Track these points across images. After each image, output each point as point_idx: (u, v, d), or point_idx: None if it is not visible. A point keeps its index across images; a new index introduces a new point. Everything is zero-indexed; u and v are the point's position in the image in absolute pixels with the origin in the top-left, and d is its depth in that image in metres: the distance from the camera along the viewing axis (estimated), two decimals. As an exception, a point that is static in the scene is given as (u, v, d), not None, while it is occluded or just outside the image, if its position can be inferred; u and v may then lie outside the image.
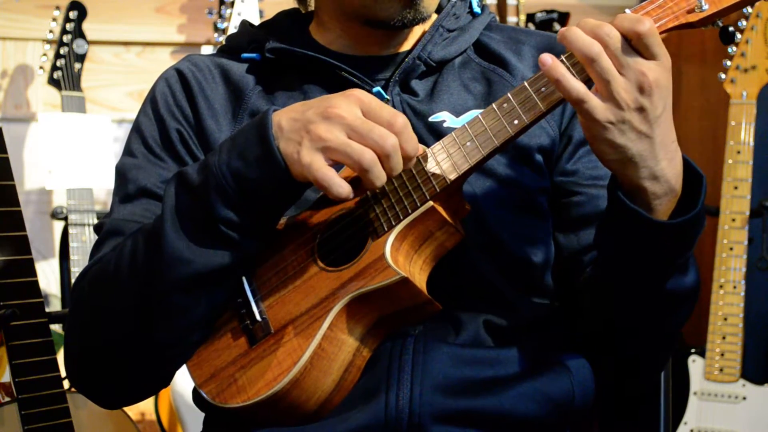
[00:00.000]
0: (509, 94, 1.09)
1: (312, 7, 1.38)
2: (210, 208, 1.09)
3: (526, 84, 1.08)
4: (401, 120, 1.05)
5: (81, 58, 2.73)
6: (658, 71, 1.01)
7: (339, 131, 1.04)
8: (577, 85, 1.01)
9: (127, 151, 1.30)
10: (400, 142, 1.05)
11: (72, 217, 2.59)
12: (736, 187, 2.55)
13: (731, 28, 1.07)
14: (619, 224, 1.08)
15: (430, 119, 1.24)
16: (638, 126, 1.02)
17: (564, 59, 1.05)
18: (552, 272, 1.28)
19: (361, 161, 1.03)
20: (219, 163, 1.09)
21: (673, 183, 1.06)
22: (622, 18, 1.02)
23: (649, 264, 1.10)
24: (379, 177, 1.05)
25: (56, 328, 2.23)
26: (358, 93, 1.07)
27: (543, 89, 1.07)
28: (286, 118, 1.08)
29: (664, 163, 1.05)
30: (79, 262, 2.54)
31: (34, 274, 1.75)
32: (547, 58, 1.02)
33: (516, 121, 1.08)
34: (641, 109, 1.01)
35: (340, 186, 1.05)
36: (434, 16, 1.32)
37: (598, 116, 1.01)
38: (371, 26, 1.25)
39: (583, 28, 1.02)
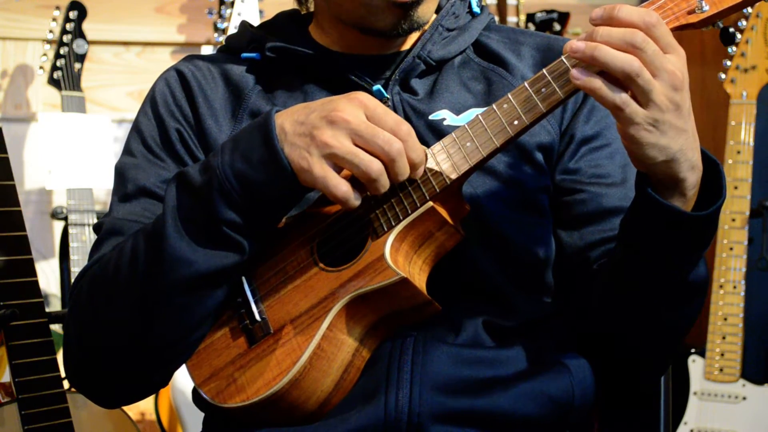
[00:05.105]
0: (509, 95, 1.09)
1: (312, 7, 1.38)
2: (213, 209, 1.09)
3: (526, 84, 1.08)
4: (405, 128, 1.06)
5: (81, 58, 2.73)
6: (681, 64, 1.02)
7: (344, 137, 1.04)
8: (616, 93, 1.00)
9: (127, 151, 1.30)
10: (405, 150, 1.05)
11: (72, 217, 2.59)
12: (736, 187, 2.55)
13: (732, 29, 1.07)
14: (652, 221, 1.07)
15: (430, 117, 1.24)
16: (676, 123, 1.02)
17: (564, 60, 1.05)
18: (553, 271, 1.28)
19: (369, 172, 1.04)
20: (222, 164, 1.09)
21: (701, 169, 1.07)
22: (630, 12, 1.01)
23: (677, 256, 1.10)
24: (385, 185, 1.06)
25: (56, 328, 2.23)
26: (362, 96, 1.07)
27: (543, 90, 1.07)
28: (289, 120, 1.08)
29: (697, 152, 1.06)
30: (79, 262, 2.54)
31: (34, 274, 1.75)
32: (579, 73, 1.02)
33: (516, 122, 1.08)
34: (677, 106, 1.01)
35: (357, 199, 1.06)
36: (434, 16, 1.32)
37: (639, 120, 1.00)
38: (368, 35, 1.25)
39: (611, 42, 1.00)
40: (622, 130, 1.02)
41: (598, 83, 1.01)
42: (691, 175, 1.06)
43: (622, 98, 1.00)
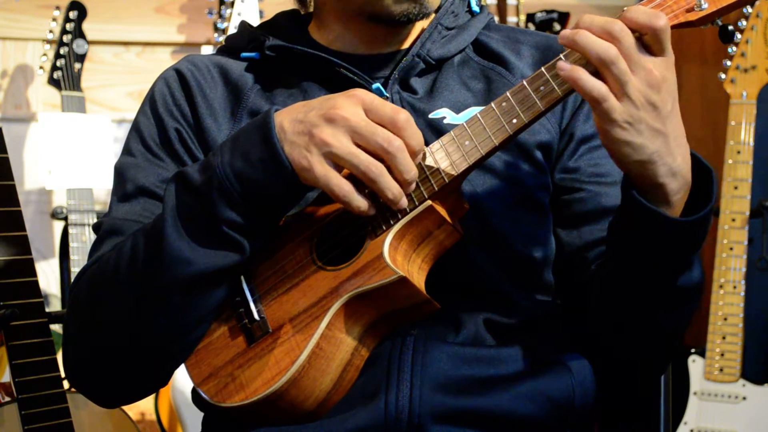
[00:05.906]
0: (508, 93, 1.09)
1: (311, 8, 1.38)
2: (212, 208, 1.09)
3: (525, 83, 1.08)
4: (404, 116, 1.05)
5: (81, 58, 2.73)
6: (663, 67, 1.02)
7: (343, 136, 1.04)
8: (597, 85, 1.01)
9: (126, 151, 1.30)
10: (405, 139, 1.05)
11: (72, 217, 2.59)
12: (736, 187, 2.54)
13: (731, 27, 1.07)
14: (637, 224, 1.08)
15: (430, 116, 1.24)
16: (652, 123, 1.02)
17: (563, 57, 1.05)
18: (552, 269, 1.28)
19: (368, 173, 1.04)
20: (222, 163, 1.09)
21: (687, 177, 1.07)
22: (638, 11, 1.02)
23: (664, 261, 1.10)
24: (387, 186, 1.05)
25: (56, 328, 2.22)
26: (360, 93, 1.07)
27: (542, 88, 1.07)
28: (288, 119, 1.07)
29: (679, 158, 1.05)
30: (79, 262, 2.54)
31: (34, 274, 1.75)
32: (564, 63, 1.02)
33: (515, 120, 1.08)
34: (654, 106, 1.01)
35: (360, 201, 1.06)
36: (433, 15, 1.32)
37: (616, 116, 1.01)
38: (375, 22, 1.25)
39: (591, 29, 1.01)
40: (599, 124, 1.03)
41: (579, 73, 1.01)
42: (672, 181, 1.05)
43: (601, 91, 1.00)
